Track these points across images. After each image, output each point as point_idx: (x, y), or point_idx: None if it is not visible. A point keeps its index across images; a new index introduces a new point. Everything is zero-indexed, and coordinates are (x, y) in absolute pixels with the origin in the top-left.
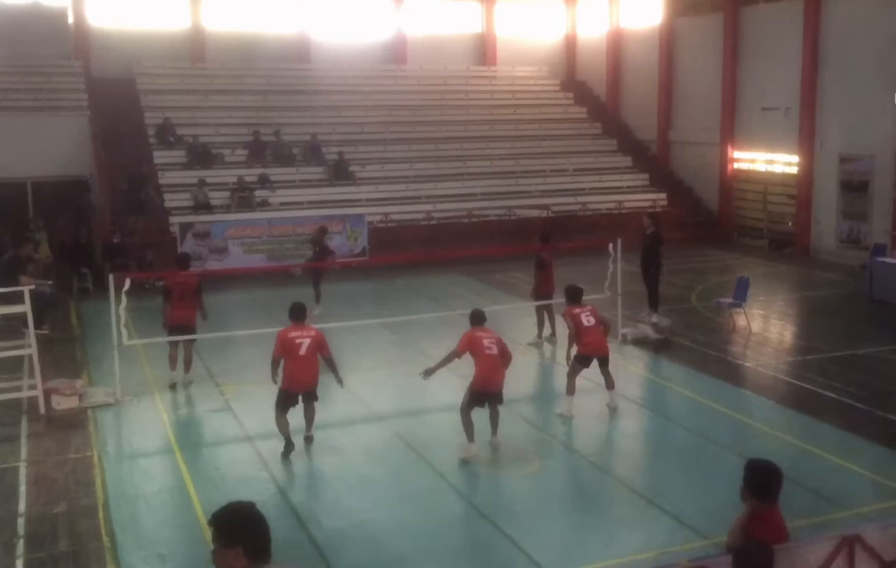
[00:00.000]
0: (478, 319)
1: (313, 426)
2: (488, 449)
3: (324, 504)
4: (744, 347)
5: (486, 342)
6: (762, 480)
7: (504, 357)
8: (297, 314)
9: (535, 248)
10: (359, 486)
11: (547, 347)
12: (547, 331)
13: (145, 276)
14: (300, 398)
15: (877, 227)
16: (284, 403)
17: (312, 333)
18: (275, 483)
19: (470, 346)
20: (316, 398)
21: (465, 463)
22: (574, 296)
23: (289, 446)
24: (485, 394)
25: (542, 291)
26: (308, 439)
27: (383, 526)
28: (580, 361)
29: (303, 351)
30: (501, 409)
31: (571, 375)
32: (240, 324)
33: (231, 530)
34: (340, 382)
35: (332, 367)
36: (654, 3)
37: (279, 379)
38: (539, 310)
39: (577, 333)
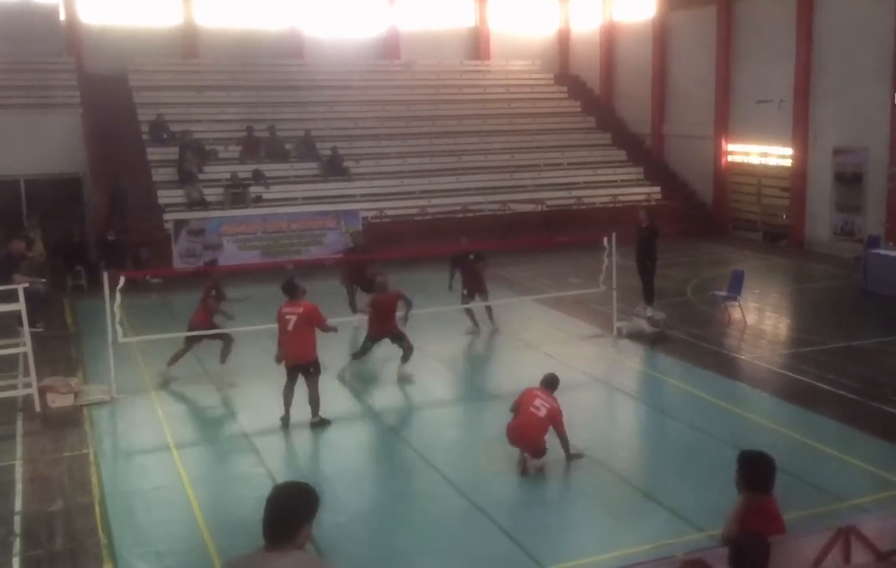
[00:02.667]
0: (547, 382)
1: (319, 411)
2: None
3: (321, 501)
4: (739, 340)
5: (537, 401)
6: (755, 471)
7: (552, 422)
8: (287, 290)
9: (463, 248)
10: (356, 482)
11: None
12: (489, 325)
13: (140, 274)
14: (299, 373)
15: (870, 219)
16: (288, 374)
17: (300, 309)
18: (272, 479)
19: (522, 398)
20: (315, 373)
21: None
22: None
23: (283, 419)
24: (515, 445)
25: (479, 288)
26: (314, 425)
27: (381, 522)
28: None
29: (290, 327)
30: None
31: None
32: (235, 321)
33: None
34: (334, 329)
35: (329, 330)
36: None
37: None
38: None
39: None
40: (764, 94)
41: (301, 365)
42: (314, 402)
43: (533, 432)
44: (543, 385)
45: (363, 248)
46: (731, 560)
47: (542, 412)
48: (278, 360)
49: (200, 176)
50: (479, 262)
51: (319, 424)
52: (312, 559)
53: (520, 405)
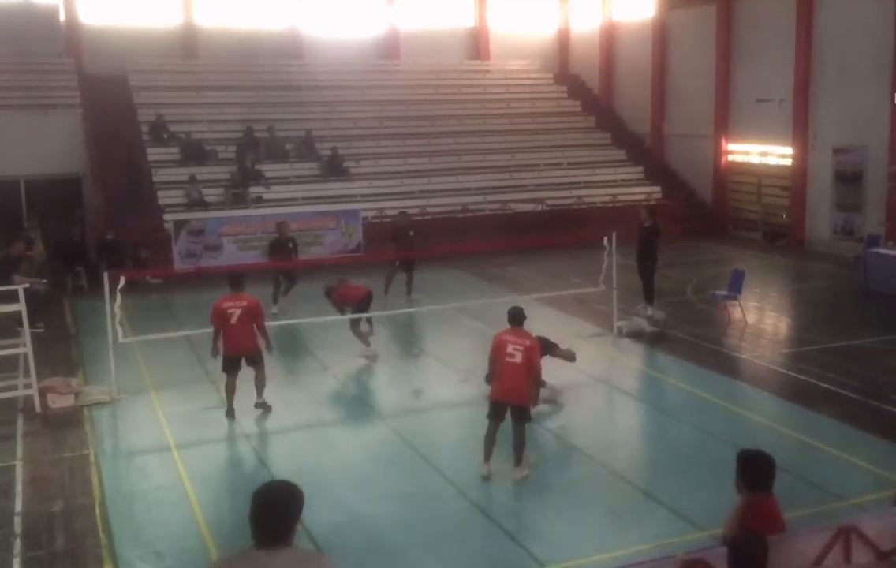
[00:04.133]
0: (512, 318)
1: (263, 393)
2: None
3: (321, 500)
4: (739, 340)
5: (509, 348)
6: (754, 470)
7: (530, 369)
8: (233, 283)
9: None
10: (356, 481)
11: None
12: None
13: (140, 275)
14: (243, 362)
15: (870, 218)
16: (226, 367)
17: (244, 303)
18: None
19: (494, 350)
20: (261, 359)
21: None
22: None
23: (228, 412)
24: (499, 404)
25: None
26: (258, 406)
27: (381, 522)
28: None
29: (234, 320)
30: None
31: None
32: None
33: None
34: (269, 349)
35: (263, 335)
36: None
37: (219, 349)
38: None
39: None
40: (764, 93)
41: (245, 355)
42: (261, 384)
43: (517, 384)
44: (511, 324)
45: (286, 240)
46: (730, 560)
47: (518, 358)
48: (215, 354)
49: (200, 175)
50: (415, 239)
51: (264, 406)
52: (304, 556)
53: (495, 361)
